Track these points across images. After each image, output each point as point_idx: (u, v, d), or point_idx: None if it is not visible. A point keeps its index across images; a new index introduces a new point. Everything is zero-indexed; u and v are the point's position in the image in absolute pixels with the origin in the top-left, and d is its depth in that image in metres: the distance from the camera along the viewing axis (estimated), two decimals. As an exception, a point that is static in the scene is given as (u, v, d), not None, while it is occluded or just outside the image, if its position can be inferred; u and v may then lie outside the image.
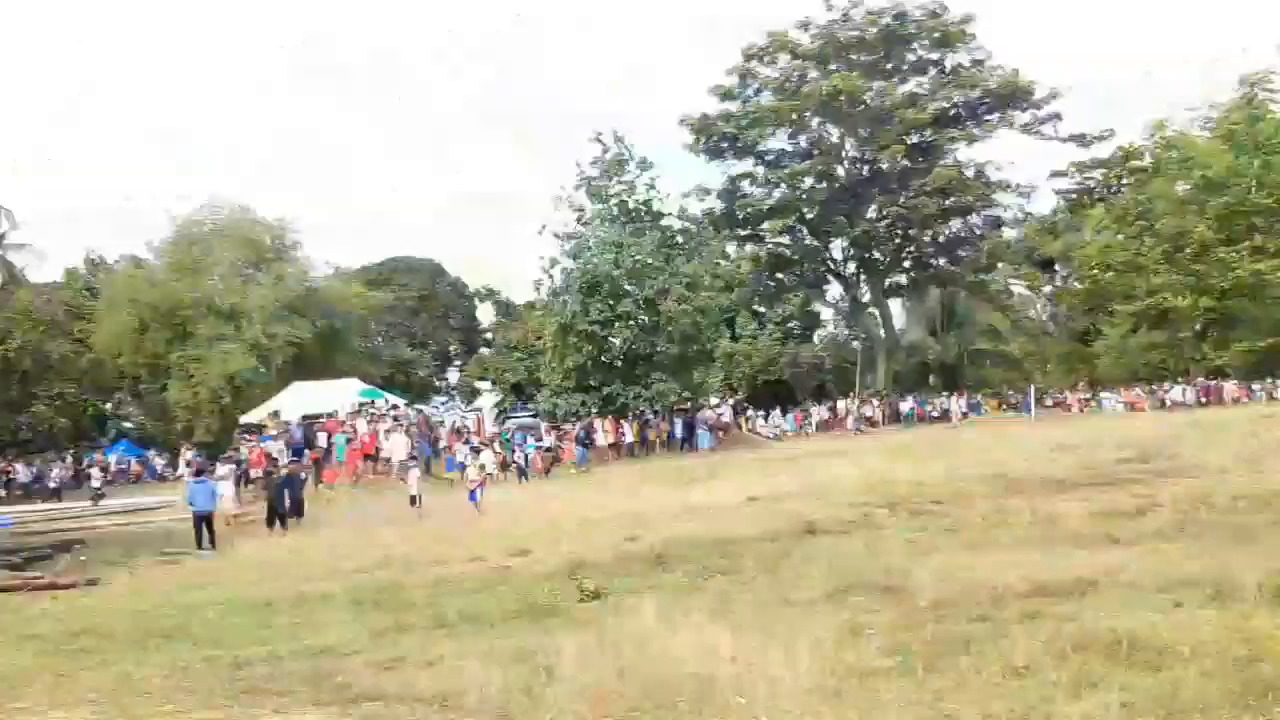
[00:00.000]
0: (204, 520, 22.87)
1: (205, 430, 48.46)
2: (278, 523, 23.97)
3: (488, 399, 72.97)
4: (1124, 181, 62.57)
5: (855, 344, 67.14)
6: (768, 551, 14.63)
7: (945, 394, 58.08)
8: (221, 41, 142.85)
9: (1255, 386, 50.91)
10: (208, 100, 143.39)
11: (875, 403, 54.84)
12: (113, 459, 50.11)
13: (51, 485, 44.22)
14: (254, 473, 30.30)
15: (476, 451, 30.62)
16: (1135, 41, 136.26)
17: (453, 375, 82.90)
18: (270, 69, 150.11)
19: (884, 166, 57.29)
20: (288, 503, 24.64)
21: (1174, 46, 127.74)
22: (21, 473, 45.81)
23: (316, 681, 9.34)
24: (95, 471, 41.91)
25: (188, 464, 33.11)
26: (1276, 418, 30.60)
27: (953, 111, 58.08)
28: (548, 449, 39.24)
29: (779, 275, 63.37)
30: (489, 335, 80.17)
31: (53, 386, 52.27)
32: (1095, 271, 64.45)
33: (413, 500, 25.42)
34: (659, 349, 43.34)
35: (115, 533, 27.91)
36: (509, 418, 52.16)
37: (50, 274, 63.93)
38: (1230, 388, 51.72)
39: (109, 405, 62.79)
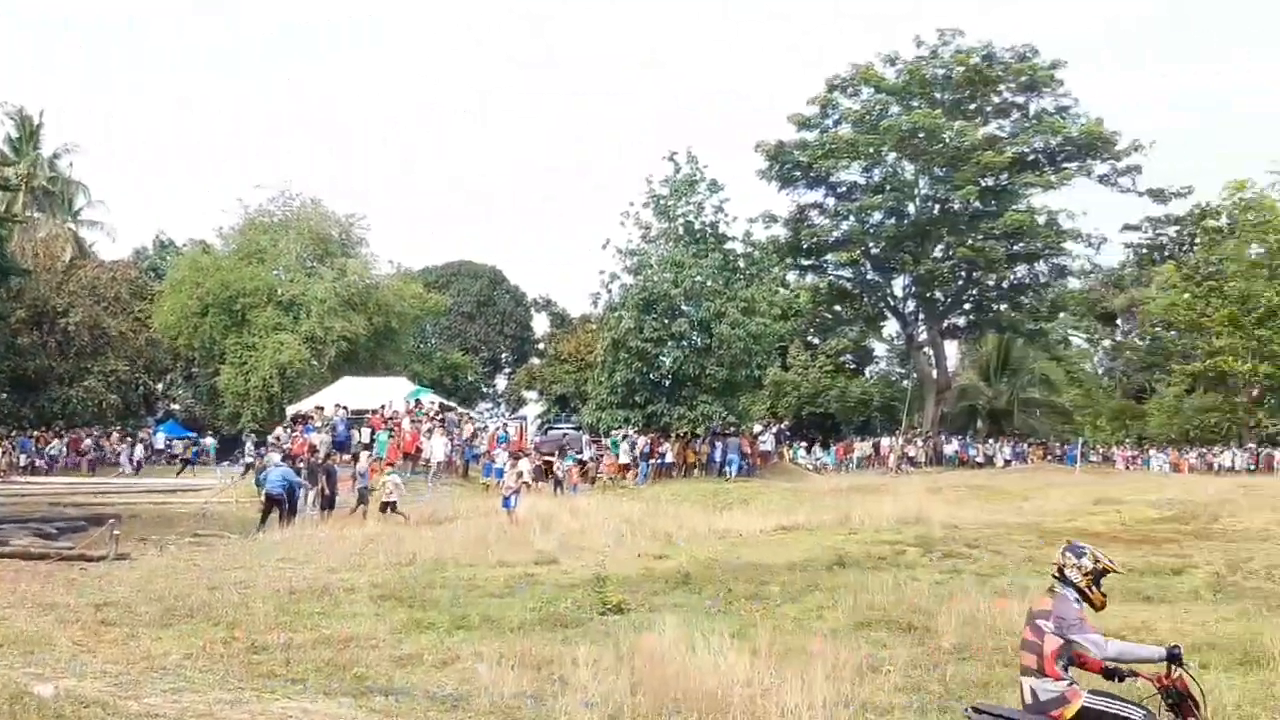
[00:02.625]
0: (275, 503, 23.03)
1: (252, 417, 48.87)
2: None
3: (533, 408, 73.18)
4: (1196, 240, 61.77)
5: (906, 383, 66.69)
6: (795, 581, 14.61)
7: (991, 439, 57.56)
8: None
9: (1309, 457, 50.13)
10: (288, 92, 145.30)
11: (919, 442, 54.40)
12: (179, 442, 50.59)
13: (118, 460, 45.23)
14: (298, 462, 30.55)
15: (516, 459, 30.64)
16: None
17: (501, 382, 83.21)
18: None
19: (955, 207, 56.86)
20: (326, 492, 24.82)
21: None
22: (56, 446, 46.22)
23: (331, 672, 9.42)
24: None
25: (268, 445, 33.00)
26: (1327, 490, 30.05)
27: (1031, 157, 57.43)
28: (585, 461, 39.32)
29: (837, 307, 62.96)
30: (541, 345, 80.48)
31: (108, 363, 53.03)
32: (1157, 329, 63.84)
33: (383, 508, 24.95)
34: (708, 371, 43.27)
35: (154, 509, 28.26)
36: (551, 428, 52.19)
37: (120, 251, 65.12)
38: (1281, 456, 50.96)
39: (160, 385, 63.47)
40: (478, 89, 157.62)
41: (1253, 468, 49.52)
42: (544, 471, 35.45)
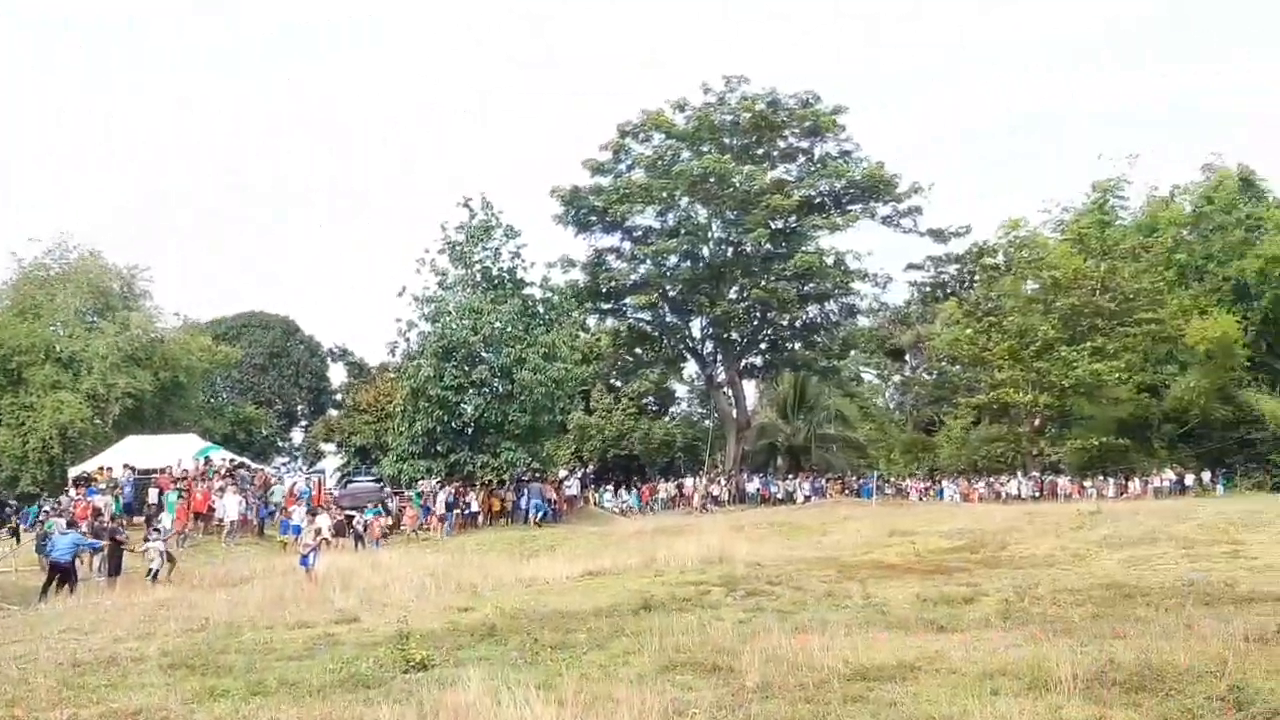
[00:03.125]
0: (62, 571, 21.76)
1: (32, 480, 46.42)
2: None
3: (331, 461, 71.42)
4: (976, 277, 64.64)
5: (707, 422, 67.72)
6: (602, 627, 14.49)
7: (791, 476, 58.85)
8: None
9: (1087, 483, 52.69)
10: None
11: (722, 481, 55.24)
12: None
13: None
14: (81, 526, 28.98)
15: (314, 514, 29.81)
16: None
17: (297, 435, 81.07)
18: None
19: (747, 249, 58.01)
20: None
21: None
22: None
23: (115, 747, 8.89)
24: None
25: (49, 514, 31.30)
26: (1104, 514, 31.62)
27: (818, 200, 59.11)
28: (387, 515, 38.53)
29: (638, 350, 63.58)
30: (338, 396, 78.78)
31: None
32: (943, 363, 66.56)
33: (150, 575, 23.91)
34: (511, 417, 43.05)
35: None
36: (350, 481, 51.02)
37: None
38: (1064, 483, 53.46)
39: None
40: (478, 89, 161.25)
41: (1037, 495, 51.86)
42: (344, 526, 34.58)
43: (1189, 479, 52.65)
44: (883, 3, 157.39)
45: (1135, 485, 52.43)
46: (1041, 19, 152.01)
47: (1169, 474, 52.82)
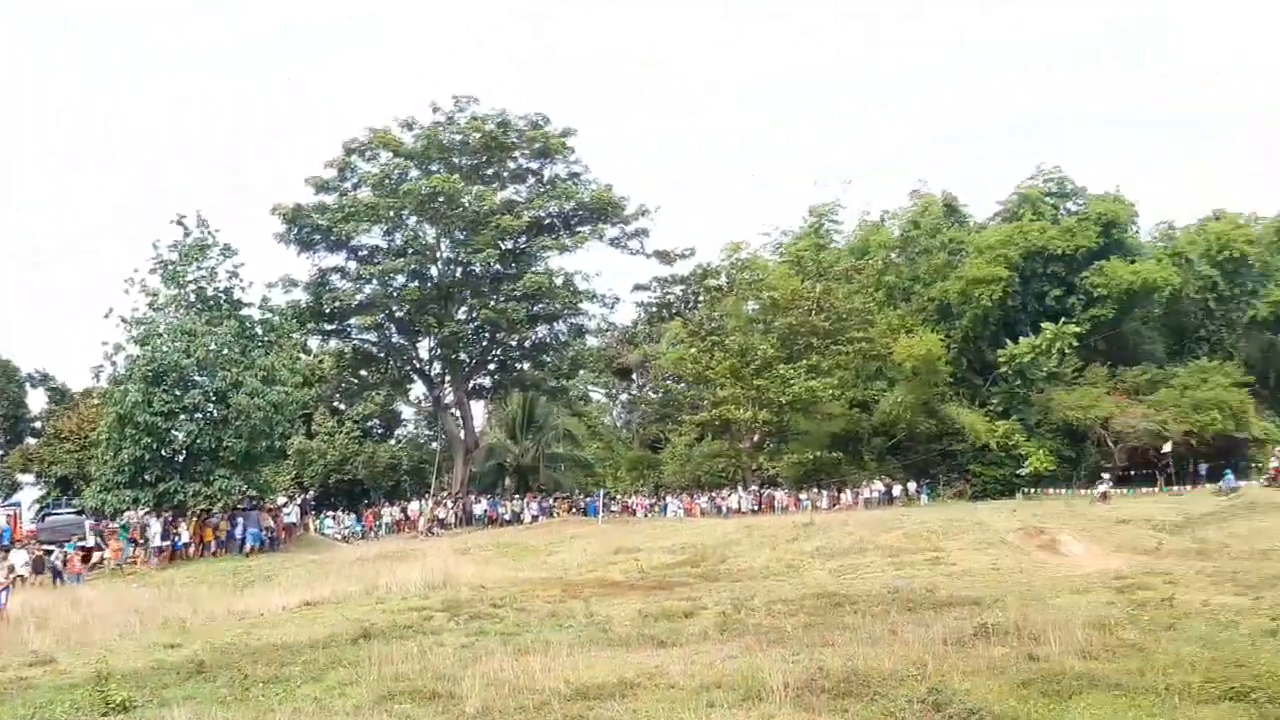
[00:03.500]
0: None
1: None
2: None
3: (29, 493, 66.68)
4: (700, 298, 66.17)
5: (434, 445, 66.89)
6: (319, 658, 14.03)
7: (519, 496, 58.74)
8: None
9: (803, 496, 54.61)
10: None
11: (449, 504, 54.59)
12: None
13: None
14: None
15: (5, 551, 27.73)
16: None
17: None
18: None
19: (476, 269, 57.63)
20: None
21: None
22: None
23: None
24: None
25: None
26: (817, 526, 32.85)
27: (547, 221, 59.30)
28: (89, 548, 36.26)
29: (362, 372, 62.15)
30: (38, 423, 73.73)
31: None
32: (668, 382, 67.88)
33: None
34: (226, 444, 41.28)
35: None
36: (50, 514, 47.76)
37: None
38: (781, 496, 55.20)
39: None
40: (478, 89, 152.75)
41: (756, 508, 53.32)
42: (42, 562, 32.30)
43: (896, 489, 55.24)
44: (883, 3, 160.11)
45: (847, 496, 54.52)
46: (1041, 19, 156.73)
47: (878, 485, 55.22)
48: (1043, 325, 57.32)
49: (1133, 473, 54.64)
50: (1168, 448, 52.97)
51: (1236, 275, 61.99)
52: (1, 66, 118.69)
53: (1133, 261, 60.73)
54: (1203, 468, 53.98)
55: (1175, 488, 50.97)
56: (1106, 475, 50.99)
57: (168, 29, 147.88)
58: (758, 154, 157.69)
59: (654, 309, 72.72)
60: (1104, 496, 46.03)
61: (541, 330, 62.19)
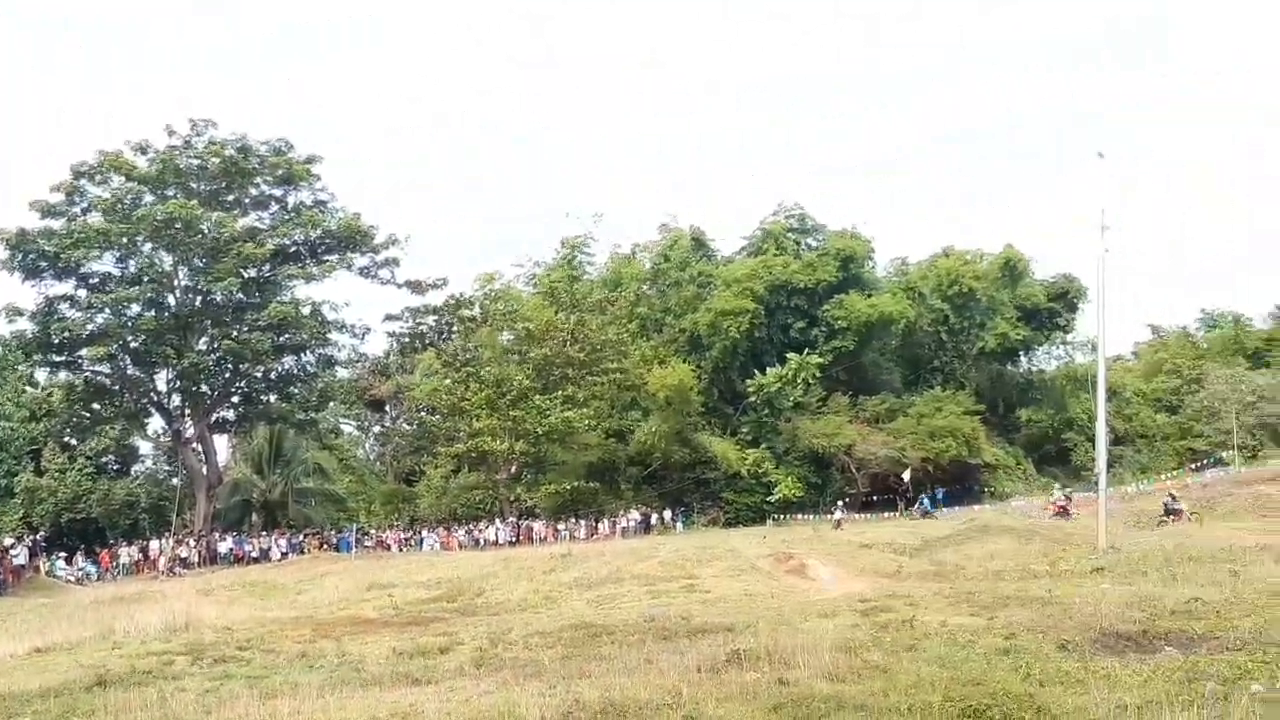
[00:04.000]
0: None
1: None
2: None
3: None
4: (454, 329, 65.63)
5: (175, 481, 63.99)
6: (50, 708, 13.10)
7: (266, 533, 56.75)
8: None
9: (561, 526, 54.75)
10: None
11: (191, 543, 52.25)
12: None
13: None
14: None
15: None
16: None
17: None
18: None
19: (218, 298, 55.47)
20: None
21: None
22: None
23: None
24: None
25: None
26: (575, 556, 32.93)
27: (293, 249, 57.66)
28: None
29: (95, 405, 58.80)
30: None
31: None
32: (422, 413, 67.00)
33: None
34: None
35: None
36: None
37: None
38: (540, 527, 55.16)
39: None
40: (478, 89, 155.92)
41: (514, 540, 53.08)
42: None
43: (653, 518, 56.13)
44: (883, 3, 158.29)
45: (605, 526, 55.03)
46: (1041, 19, 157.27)
47: (635, 514, 55.93)
48: (788, 356, 59.30)
49: (875, 498, 57.18)
50: (907, 475, 55.61)
51: (965, 309, 65.73)
52: (1, 66, 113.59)
53: (870, 295, 63.67)
54: (940, 492, 56.89)
55: (914, 511, 53.50)
56: (840, 502, 53.21)
57: (168, 29, 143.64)
58: (758, 154, 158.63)
59: (406, 339, 71.54)
60: (838, 524, 47.77)
61: (288, 361, 60.45)
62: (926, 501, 52.25)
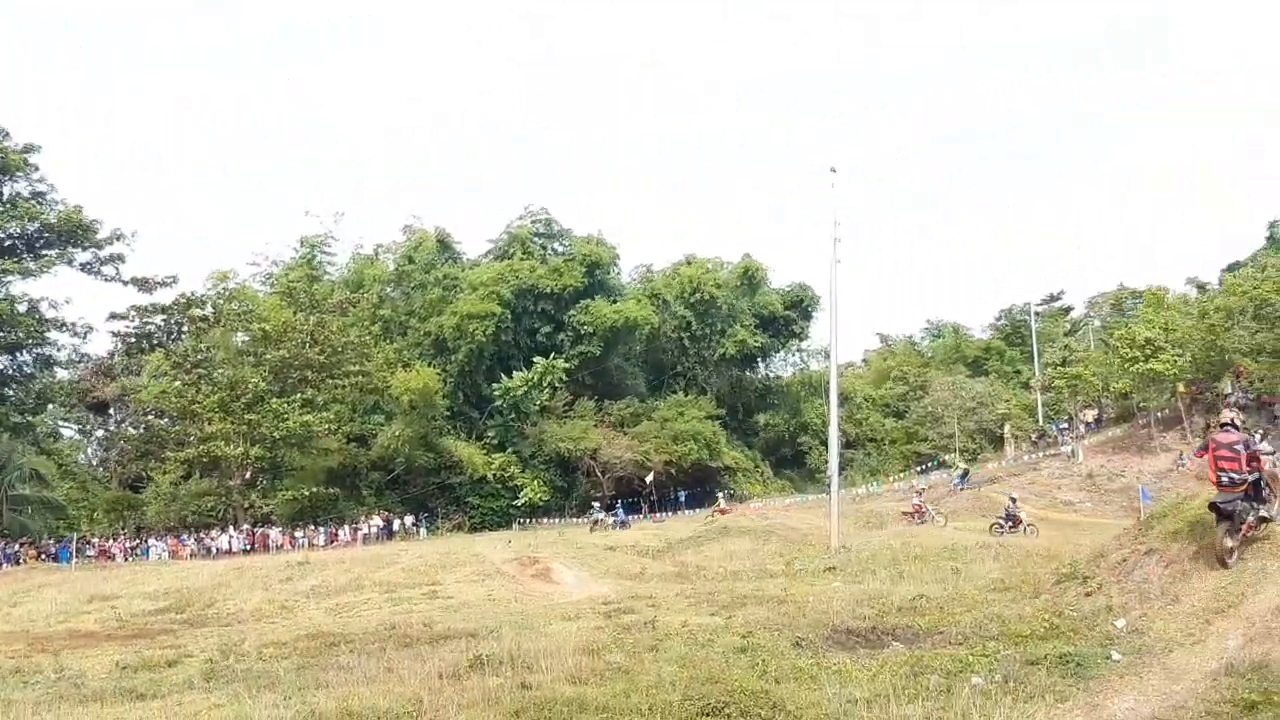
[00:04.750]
0: None
1: None
2: None
3: None
4: (184, 329, 62.76)
5: None
6: None
7: (-21, 545, 52.99)
8: None
9: (299, 533, 53.20)
10: None
11: (-108, 556, 48.35)
12: None
13: None
14: None
15: None
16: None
17: None
18: None
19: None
20: None
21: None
22: None
23: None
24: None
25: None
26: (313, 564, 32.03)
27: (8, 242, 54.06)
28: None
29: None
30: None
31: None
32: (150, 417, 63.86)
33: None
34: None
35: None
36: None
37: None
38: (276, 534, 53.45)
39: None
40: (478, 89, 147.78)
41: (249, 548, 51.29)
42: None
43: (396, 524, 55.20)
44: (883, 3, 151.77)
45: (345, 533, 53.83)
46: (1041, 19, 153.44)
47: (377, 520, 54.92)
48: (535, 360, 59.49)
49: (620, 501, 58.01)
50: (650, 477, 56.60)
51: (707, 316, 67.50)
52: (1, 66, 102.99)
53: (615, 301, 64.55)
54: (681, 494, 58.13)
55: (658, 515, 54.40)
56: (596, 504, 53.63)
57: (168, 29, 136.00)
58: (758, 154, 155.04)
59: (133, 339, 68.09)
60: (595, 524, 48.11)
61: (2, 361, 56.63)
62: (621, 512, 52.08)
